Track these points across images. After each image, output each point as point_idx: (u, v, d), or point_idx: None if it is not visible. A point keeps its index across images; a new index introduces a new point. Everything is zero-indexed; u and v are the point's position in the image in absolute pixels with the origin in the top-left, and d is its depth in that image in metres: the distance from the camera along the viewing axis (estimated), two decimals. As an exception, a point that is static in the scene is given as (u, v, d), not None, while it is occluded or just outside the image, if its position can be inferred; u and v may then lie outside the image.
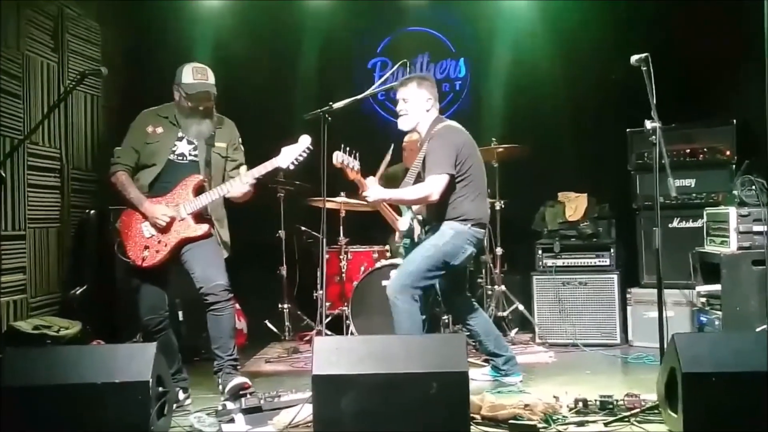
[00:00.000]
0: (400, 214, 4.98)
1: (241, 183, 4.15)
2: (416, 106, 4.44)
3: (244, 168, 4.29)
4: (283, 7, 6.95)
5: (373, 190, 4.29)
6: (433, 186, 4.22)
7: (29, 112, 5.21)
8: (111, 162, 4.27)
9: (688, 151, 5.59)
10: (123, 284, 5.01)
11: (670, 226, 5.55)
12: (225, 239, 4.33)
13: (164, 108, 4.31)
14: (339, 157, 4.15)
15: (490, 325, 4.68)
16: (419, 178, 4.42)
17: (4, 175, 3.99)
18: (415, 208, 4.63)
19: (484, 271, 5.90)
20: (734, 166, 5.38)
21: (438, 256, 4.27)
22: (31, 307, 5.16)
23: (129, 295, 4.43)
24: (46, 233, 5.39)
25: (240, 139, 4.40)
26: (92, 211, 5.73)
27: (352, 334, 5.45)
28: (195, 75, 4.16)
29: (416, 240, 4.53)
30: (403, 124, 4.50)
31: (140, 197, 4.15)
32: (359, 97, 4.50)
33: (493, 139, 5.82)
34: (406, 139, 5.70)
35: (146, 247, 4.14)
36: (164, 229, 4.13)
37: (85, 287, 5.49)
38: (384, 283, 5.45)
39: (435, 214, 4.40)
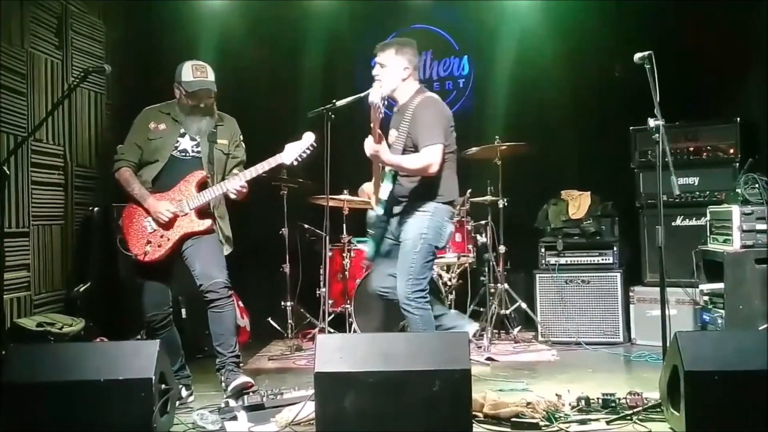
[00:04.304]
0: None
1: (241, 179, 4.15)
2: (392, 74, 4.26)
3: (240, 168, 4.30)
4: (287, 4, 6.94)
5: (377, 145, 4.07)
6: (432, 156, 4.05)
7: (33, 110, 5.21)
8: (114, 159, 4.28)
9: (691, 149, 5.59)
10: (126, 281, 5.02)
11: (673, 224, 5.54)
12: (227, 234, 4.34)
13: (166, 105, 4.31)
14: (377, 98, 3.95)
15: None
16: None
17: (8, 172, 4.01)
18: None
19: (486, 268, 5.89)
20: (738, 164, 5.38)
21: (426, 247, 4.18)
22: (35, 304, 5.16)
23: (133, 293, 4.43)
24: (49, 230, 5.39)
25: (241, 136, 4.40)
26: (96, 209, 5.73)
27: (354, 331, 5.46)
28: (195, 73, 4.16)
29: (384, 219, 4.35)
30: (373, 94, 4.03)
31: (144, 193, 4.16)
32: (362, 94, 4.47)
33: (497, 136, 5.79)
34: None
35: (148, 242, 4.15)
36: (167, 225, 4.13)
37: (88, 284, 5.49)
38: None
39: (410, 187, 4.22)
